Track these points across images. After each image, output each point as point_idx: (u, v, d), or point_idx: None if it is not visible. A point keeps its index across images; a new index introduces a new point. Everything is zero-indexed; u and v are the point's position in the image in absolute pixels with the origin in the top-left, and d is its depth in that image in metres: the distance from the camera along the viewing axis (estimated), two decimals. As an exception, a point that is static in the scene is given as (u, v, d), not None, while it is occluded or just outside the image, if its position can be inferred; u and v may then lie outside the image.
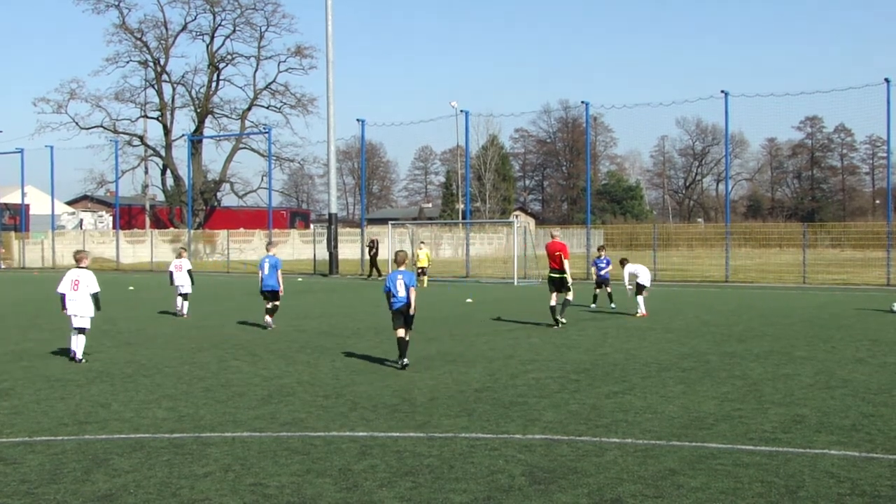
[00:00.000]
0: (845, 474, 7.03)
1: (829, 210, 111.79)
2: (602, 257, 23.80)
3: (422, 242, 35.32)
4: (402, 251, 13.63)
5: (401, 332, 12.80)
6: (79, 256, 14.11)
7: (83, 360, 13.52)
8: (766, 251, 46.49)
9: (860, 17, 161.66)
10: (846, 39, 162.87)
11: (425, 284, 32.59)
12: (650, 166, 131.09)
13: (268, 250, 19.18)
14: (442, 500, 6.46)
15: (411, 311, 12.84)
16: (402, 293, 12.85)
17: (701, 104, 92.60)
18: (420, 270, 32.84)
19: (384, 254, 49.19)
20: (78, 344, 13.68)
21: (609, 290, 23.16)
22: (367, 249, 40.59)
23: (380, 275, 39.34)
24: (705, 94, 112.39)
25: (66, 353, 14.36)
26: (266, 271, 18.42)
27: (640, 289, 20.49)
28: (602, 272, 23.39)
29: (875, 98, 36.29)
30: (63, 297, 13.80)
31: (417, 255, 33.47)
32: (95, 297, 13.85)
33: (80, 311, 13.74)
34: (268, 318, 18.24)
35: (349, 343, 15.69)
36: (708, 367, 12.64)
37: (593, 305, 23.06)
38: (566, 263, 17.71)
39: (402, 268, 13.13)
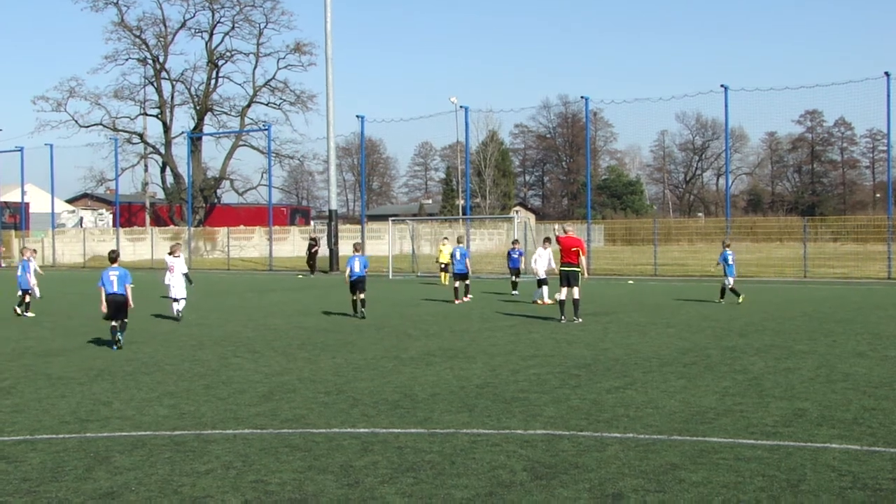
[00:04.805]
0: (847, 468, 7.03)
1: (829, 204, 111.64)
2: (515, 249, 27.65)
3: (445, 238, 34.65)
4: (358, 242, 21.05)
5: (359, 296, 19.40)
6: (175, 250, 19.98)
7: (179, 320, 19.02)
8: (767, 245, 46.48)
9: (860, 10, 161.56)
10: (846, 33, 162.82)
11: (448, 281, 31.52)
12: (650, 161, 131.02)
13: (459, 242, 26.35)
14: (443, 495, 6.46)
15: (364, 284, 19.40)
16: (357, 269, 19.41)
17: (701, 98, 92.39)
18: (443, 266, 31.61)
19: (382, 249, 49.33)
20: (180, 307, 19.29)
21: (517, 280, 26.84)
22: (309, 246, 40.93)
23: (313, 272, 39.44)
24: (705, 88, 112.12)
25: (67, 351, 14.46)
26: (458, 256, 24.38)
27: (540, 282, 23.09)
28: (515, 263, 27.14)
29: (875, 91, 36.24)
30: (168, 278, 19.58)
31: (440, 251, 32.40)
32: (187, 275, 19.55)
33: (178, 284, 19.33)
34: (465, 299, 23.56)
35: (350, 339, 15.68)
36: (709, 361, 12.64)
37: (515, 293, 26.22)
38: (582, 258, 18.24)
39: (358, 253, 19.79)
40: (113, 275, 14.81)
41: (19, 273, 21.31)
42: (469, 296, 24.01)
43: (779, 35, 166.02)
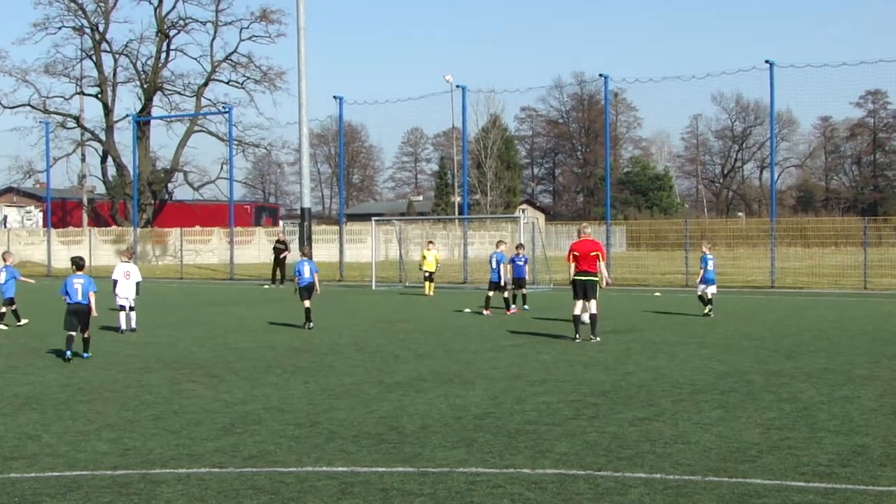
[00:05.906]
0: (914, 515, 7.04)
1: (894, 202, 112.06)
2: (520, 255, 26.97)
3: (430, 242, 34.42)
4: (307, 246, 24.12)
5: (307, 304, 20.88)
6: (128, 253, 21.97)
7: (136, 330, 20.31)
8: (820, 251, 46.57)
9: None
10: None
11: (432, 292, 31.87)
12: (681, 151, 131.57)
13: (497, 247, 26.52)
14: (436, 547, 6.46)
15: (316, 290, 21.13)
16: (306, 275, 21.02)
17: (741, 77, 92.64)
18: (426, 275, 31.96)
19: (364, 254, 49.34)
20: (130, 319, 20.45)
21: (524, 291, 26.54)
22: (276, 251, 40.73)
23: (282, 281, 39.23)
24: (746, 64, 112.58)
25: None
26: (493, 265, 25.58)
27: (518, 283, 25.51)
28: (520, 272, 26.57)
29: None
30: (115, 282, 20.49)
31: (424, 257, 32.47)
32: (138, 284, 20.84)
33: (130, 294, 20.49)
34: (486, 312, 24.48)
35: (326, 361, 15.69)
36: (750, 388, 12.67)
37: (525, 307, 25.94)
38: (602, 265, 18.32)
39: (306, 258, 21.86)
40: (77, 283, 16.24)
41: (2, 282, 21.94)
42: (488, 311, 24.49)
43: (834, 2, 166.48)
